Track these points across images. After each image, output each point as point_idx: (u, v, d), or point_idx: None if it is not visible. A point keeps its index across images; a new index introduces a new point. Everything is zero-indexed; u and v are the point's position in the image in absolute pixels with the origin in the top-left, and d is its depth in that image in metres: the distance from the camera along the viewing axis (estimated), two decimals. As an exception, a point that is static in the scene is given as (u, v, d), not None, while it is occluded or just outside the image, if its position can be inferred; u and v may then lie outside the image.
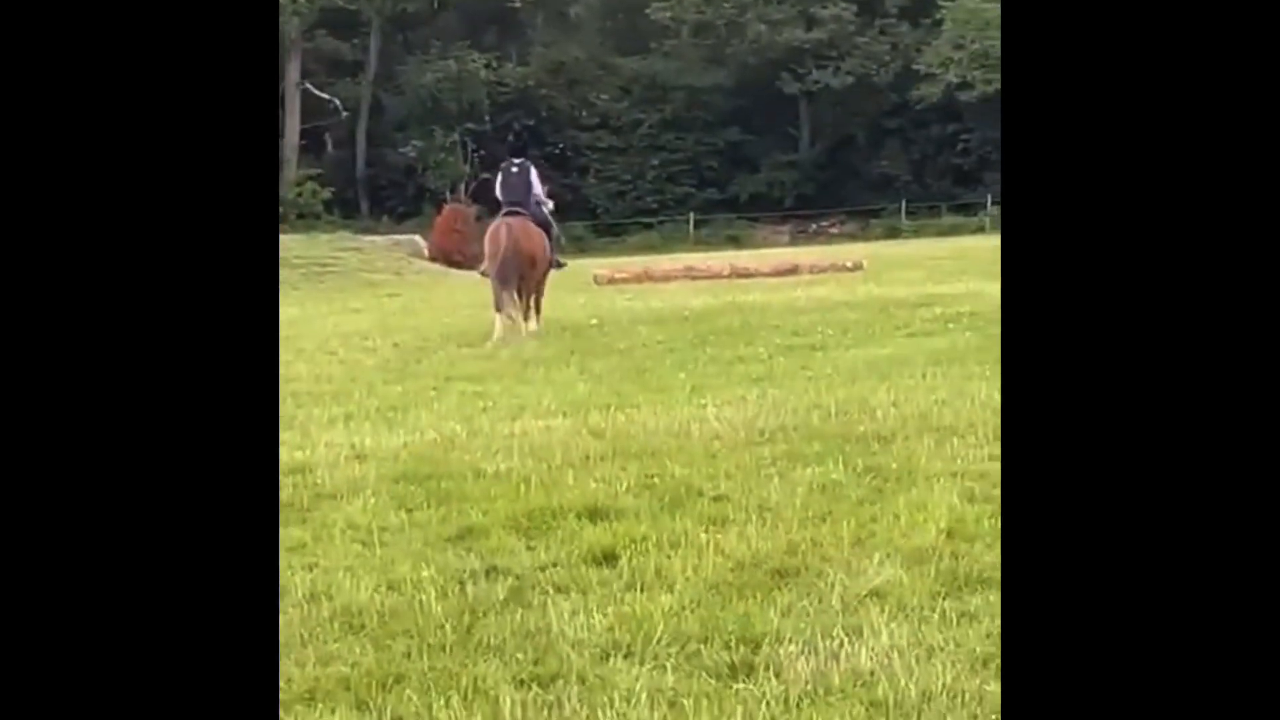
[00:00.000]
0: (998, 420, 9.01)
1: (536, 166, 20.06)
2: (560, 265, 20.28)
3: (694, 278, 30.53)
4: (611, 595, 5.73)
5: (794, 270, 30.84)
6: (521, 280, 18.23)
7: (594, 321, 19.26)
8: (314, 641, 5.32)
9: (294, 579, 6.03)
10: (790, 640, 5.09)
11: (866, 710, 4.47)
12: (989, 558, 5.95)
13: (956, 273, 27.76)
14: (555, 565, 6.20)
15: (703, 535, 6.50)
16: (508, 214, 18.67)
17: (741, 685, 4.72)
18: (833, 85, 70.51)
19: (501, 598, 5.76)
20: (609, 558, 6.25)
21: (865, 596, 5.56)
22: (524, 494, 7.56)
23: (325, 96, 67.40)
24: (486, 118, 69.87)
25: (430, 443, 9.47)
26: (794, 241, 62.97)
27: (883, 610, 5.38)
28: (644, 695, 4.64)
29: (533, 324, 18.45)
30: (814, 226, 68.34)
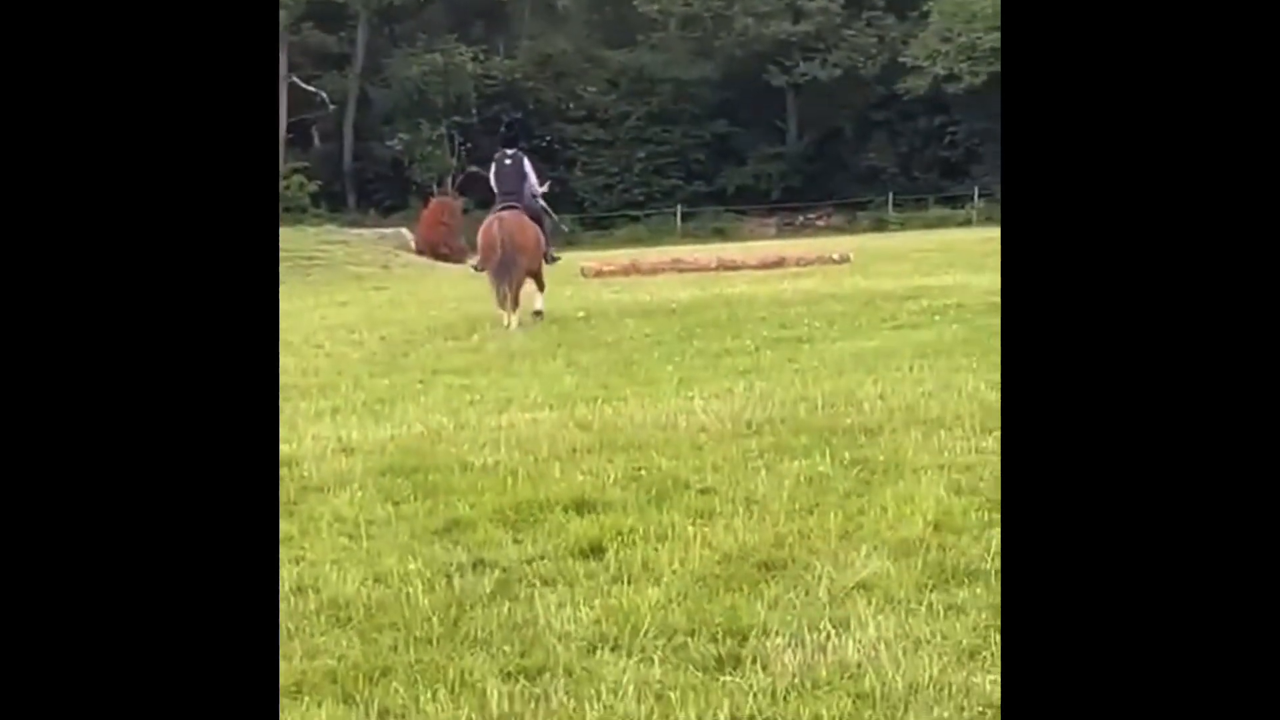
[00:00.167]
0: (985, 413, 9.03)
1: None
2: (554, 259, 20.44)
3: (681, 270, 30.52)
4: (598, 588, 5.73)
5: (781, 263, 30.84)
6: (517, 272, 18.47)
7: (581, 314, 19.25)
8: (300, 634, 5.31)
9: (281, 572, 6.02)
10: (777, 633, 5.09)
11: (853, 702, 4.47)
12: (976, 550, 5.96)
13: (943, 265, 27.79)
14: (542, 558, 6.20)
15: (690, 528, 6.50)
16: (502, 208, 18.88)
17: (728, 678, 4.72)
18: (820, 78, 70.57)
19: (488, 590, 5.76)
20: (596, 550, 6.25)
21: (852, 589, 5.56)
22: (511, 487, 7.55)
23: (312, 89, 67.39)
24: (473, 110, 69.85)
25: (417, 436, 9.46)
26: (781, 234, 62.99)
27: (870, 602, 5.38)
28: (631, 688, 4.64)
29: (533, 307, 18.92)
30: (801, 219, 68.40)
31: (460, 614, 5.49)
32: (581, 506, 7.01)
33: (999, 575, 5.58)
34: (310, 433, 9.63)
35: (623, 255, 38.17)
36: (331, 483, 7.88)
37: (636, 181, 71.95)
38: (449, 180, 61.72)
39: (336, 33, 71.84)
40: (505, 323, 18.15)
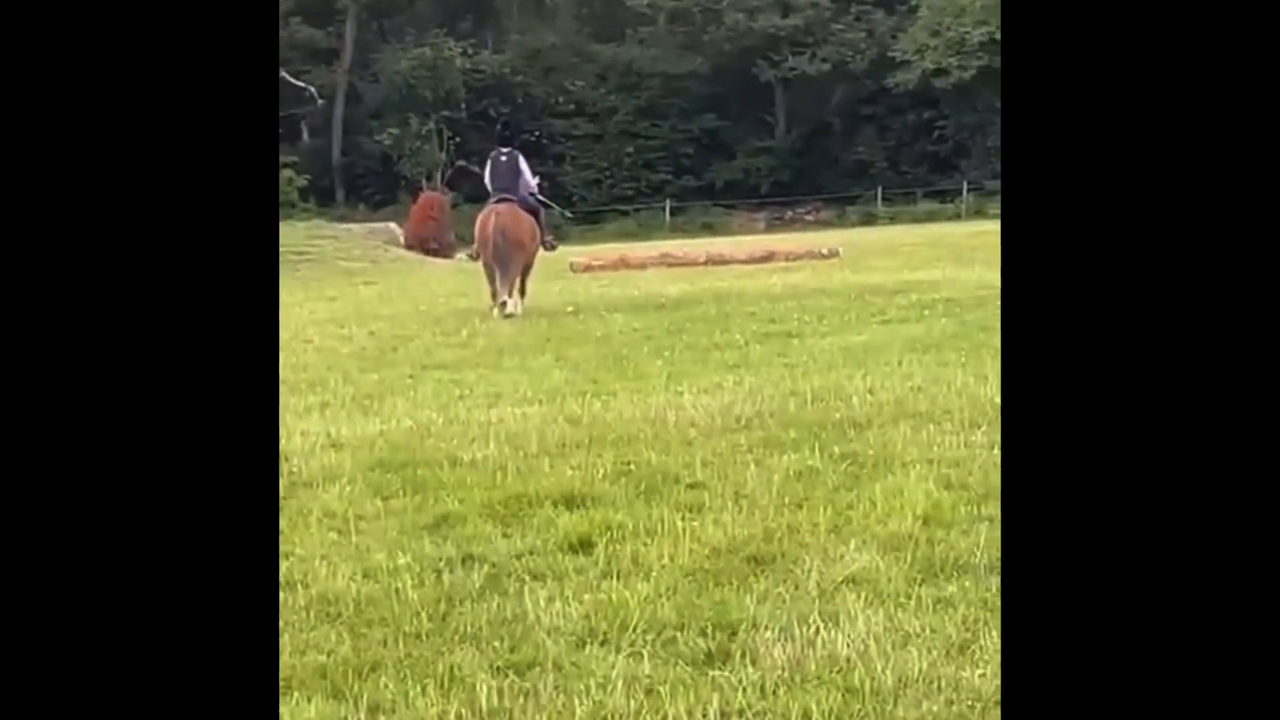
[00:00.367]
0: (974, 407, 9.05)
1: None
2: (552, 247, 21.32)
3: (670, 265, 30.54)
4: (588, 583, 5.72)
5: (770, 257, 30.86)
6: (512, 263, 19.12)
7: (570, 309, 19.26)
8: (290, 630, 5.31)
9: (270, 567, 6.01)
10: (766, 627, 5.08)
11: (843, 697, 4.47)
12: (965, 544, 5.96)
13: (933, 259, 27.82)
14: (531, 553, 6.19)
15: (679, 522, 6.49)
16: (497, 201, 19.47)
17: (718, 672, 4.72)
18: (808, 72, 70.65)
19: (478, 585, 5.75)
20: (585, 545, 6.24)
21: (841, 583, 5.56)
22: (500, 482, 7.55)
23: (301, 84, 67.23)
24: (462, 105, 69.87)
25: (406, 430, 9.45)
26: (770, 229, 63.00)
27: (859, 597, 5.38)
28: (620, 682, 4.64)
29: (517, 304, 19.25)
30: (790, 213, 68.43)
31: (449, 609, 5.49)
32: (571, 501, 7.01)
33: (988, 569, 5.59)
34: (299, 428, 9.62)
35: (612, 250, 38.15)
36: (320, 478, 7.87)
37: (625, 176, 72.00)
38: (438, 175, 61.70)
39: (325, 27, 71.85)
40: (502, 308, 18.74)
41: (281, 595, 5.68)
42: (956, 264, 25.58)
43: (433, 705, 4.57)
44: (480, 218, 19.83)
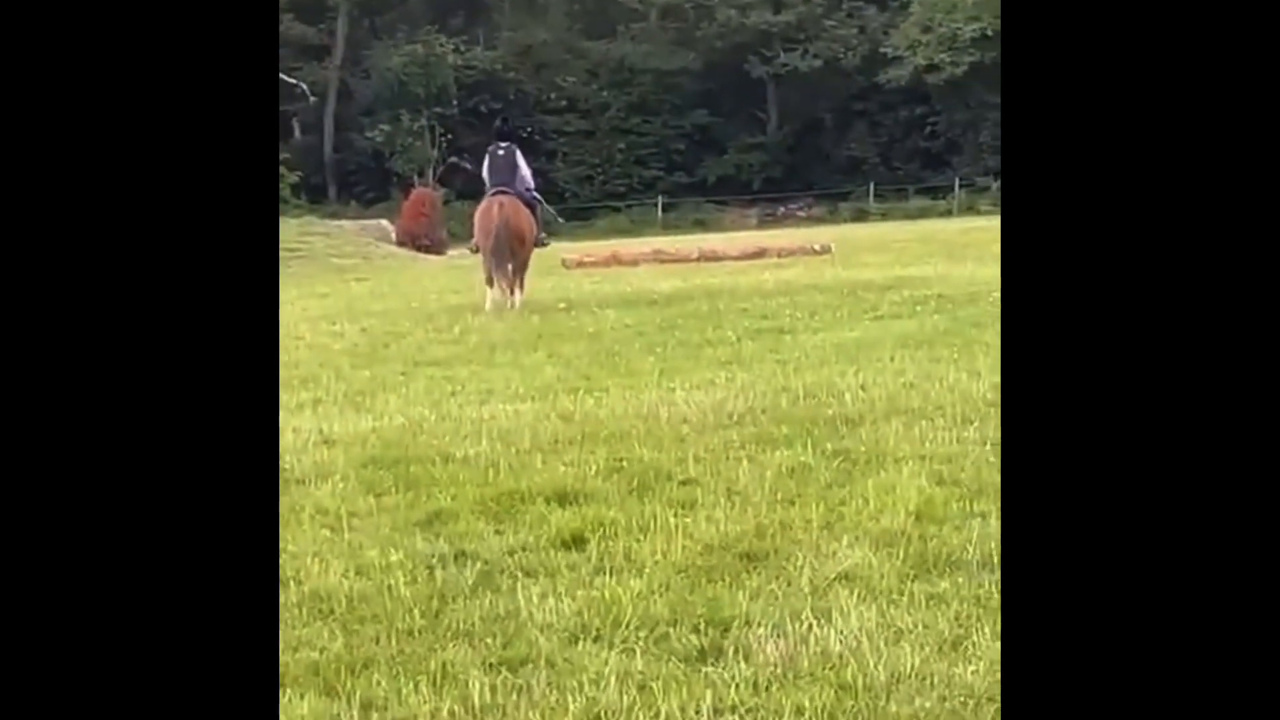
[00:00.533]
0: (966, 403, 9.05)
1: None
2: (544, 244, 21.63)
3: (662, 261, 30.52)
4: (580, 579, 5.73)
5: (762, 254, 30.84)
6: (512, 255, 19.39)
7: (563, 305, 19.25)
8: (283, 627, 5.30)
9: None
10: (759, 623, 5.09)
11: (835, 693, 4.47)
12: (957, 540, 5.96)
13: (924, 255, 27.83)
14: (524, 549, 6.19)
15: (671, 519, 6.49)
16: (497, 193, 19.69)
17: (710, 668, 4.72)
18: (800, 68, 70.67)
19: (470, 582, 5.75)
20: (578, 542, 6.24)
21: (834, 579, 5.56)
22: (492, 478, 7.55)
23: (292, 81, 67.16)
24: (454, 102, 69.85)
25: (398, 427, 9.45)
26: (762, 225, 63.01)
27: (852, 593, 5.39)
28: (613, 679, 4.64)
29: (517, 298, 19.57)
30: (782, 209, 68.43)
31: (442, 606, 5.49)
32: (563, 498, 7.01)
33: (980, 565, 5.60)
34: (291, 425, 9.61)
35: (604, 246, 38.15)
36: (313, 475, 7.87)
37: (617, 172, 72.00)
38: (430, 171, 61.66)
39: (317, 24, 71.77)
40: (500, 301, 19.08)
41: (274, 592, 5.68)
42: (948, 260, 25.59)
43: (425, 702, 4.57)
44: (481, 209, 20.02)
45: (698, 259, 30.63)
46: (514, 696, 4.58)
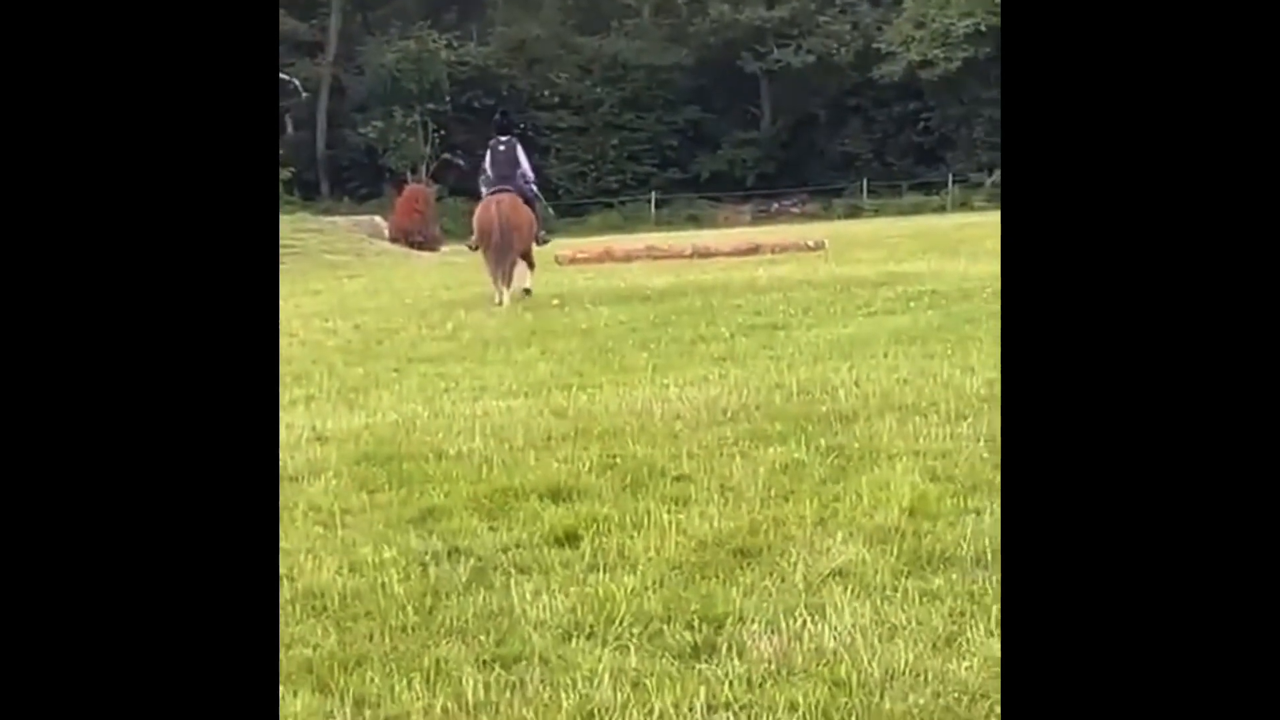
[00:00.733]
0: (960, 399, 9.05)
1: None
2: (545, 240, 21.98)
3: (656, 258, 30.54)
4: (574, 576, 5.72)
5: (755, 250, 30.85)
6: (510, 252, 19.72)
7: (556, 302, 19.25)
8: (275, 624, 5.30)
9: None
10: (753, 620, 5.09)
11: (829, 689, 4.47)
12: (951, 536, 5.96)
13: (918, 251, 27.84)
14: (517, 546, 6.19)
15: (665, 515, 6.49)
16: (496, 190, 20.03)
17: (704, 665, 4.72)
18: (794, 64, 70.67)
19: (464, 579, 5.75)
20: (571, 538, 6.24)
21: (828, 576, 5.56)
22: (486, 475, 7.54)
23: (285, 77, 67.15)
24: (447, 98, 69.81)
25: (392, 424, 9.44)
26: (755, 221, 63.00)
27: (845, 589, 5.38)
28: (606, 676, 4.64)
29: (523, 285, 20.12)
30: (775, 206, 68.45)
31: (436, 603, 5.48)
32: (557, 494, 7.01)
33: (975, 561, 5.60)
34: (284, 421, 9.59)
35: (597, 242, 38.16)
36: (306, 471, 7.86)
37: (611, 169, 71.98)
38: (423, 168, 61.58)
39: (309, 20, 71.66)
40: (497, 300, 19.23)
41: (267, 589, 5.67)
42: (942, 256, 25.60)
43: (419, 699, 4.57)
44: (480, 207, 20.30)
45: (691, 255, 30.65)
46: (507, 693, 4.57)
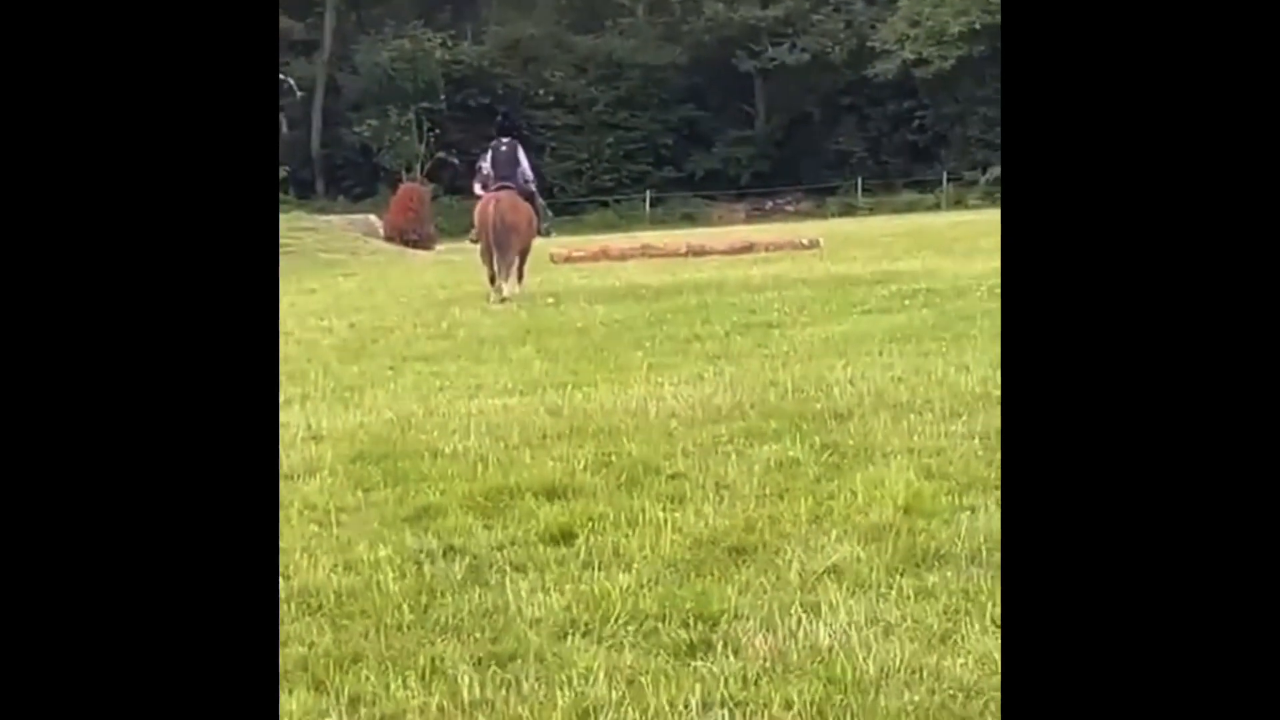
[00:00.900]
0: (954, 397, 9.06)
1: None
2: (546, 233, 22.77)
3: (651, 256, 30.55)
4: (569, 574, 5.72)
5: (750, 248, 30.87)
6: (511, 248, 20.19)
7: (551, 300, 19.25)
8: (271, 623, 5.29)
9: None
10: (748, 617, 5.09)
11: (824, 687, 4.47)
12: (946, 533, 5.97)
13: (913, 249, 27.83)
14: (513, 544, 6.19)
15: (660, 513, 6.49)
16: (497, 188, 20.43)
17: (699, 663, 4.72)
18: (788, 62, 70.66)
19: (459, 577, 5.75)
20: (566, 536, 6.24)
21: (823, 573, 5.56)
22: (481, 473, 7.54)
23: (280, 76, 67.10)
24: (442, 97, 69.80)
25: (387, 422, 9.44)
26: (750, 219, 63.02)
27: (840, 587, 5.39)
28: (602, 674, 4.64)
29: (515, 287, 20.34)
30: (770, 204, 68.48)
31: (431, 601, 5.48)
32: (552, 493, 7.01)
33: (969, 559, 5.61)
34: (280, 420, 9.59)
35: (592, 241, 38.15)
36: (301, 470, 7.86)
37: (605, 167, 71.98)
38: (418, 166, 61.53)
39: (304, 19, 71.61)
40: (500, 294, 19.72)
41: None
42: (937, 254, 25.60)
43: (414, 697, 4.57)
44: (480, 205, 20.68)
45: (686, 254, 30.65)
46: (503, 691, 4.57)
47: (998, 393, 8.72)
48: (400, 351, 14.43)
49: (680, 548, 5.98)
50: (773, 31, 71.53)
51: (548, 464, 7.70)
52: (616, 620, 5.12)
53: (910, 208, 61.74)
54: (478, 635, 5.09)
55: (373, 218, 44.83)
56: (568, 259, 29.90)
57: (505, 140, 21.23)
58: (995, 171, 58.98)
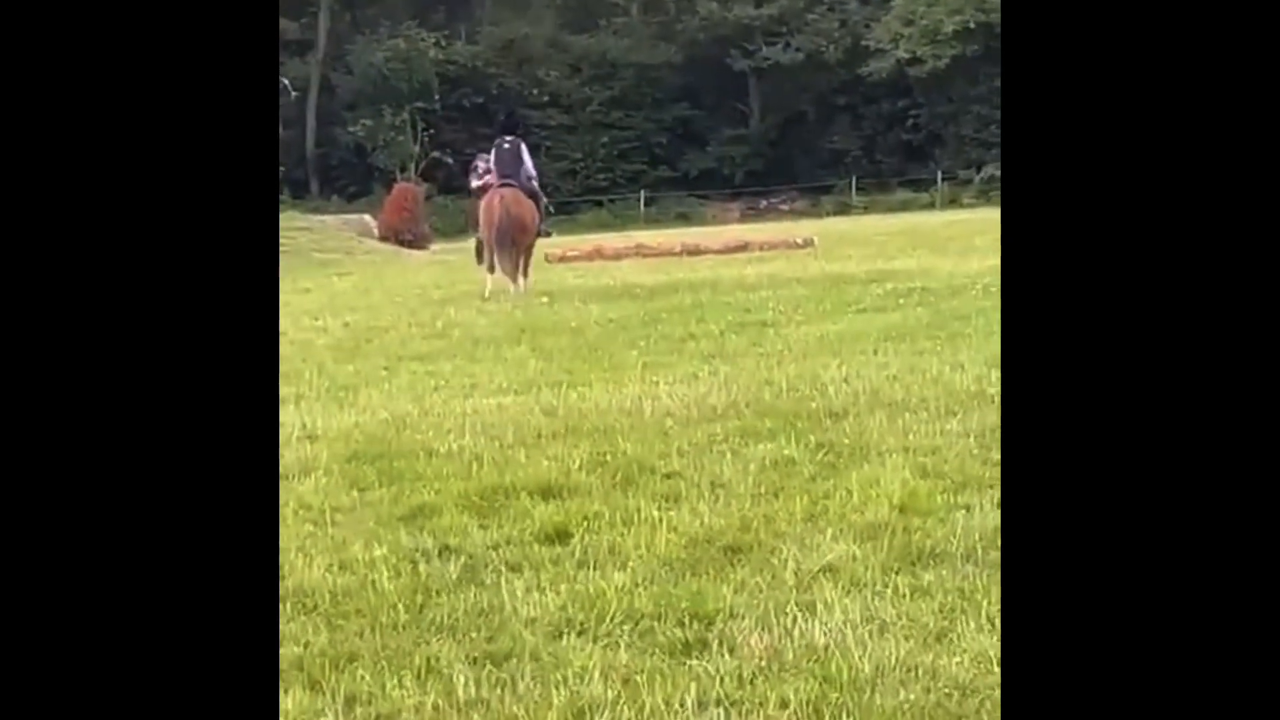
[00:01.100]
0: (949, 395, 9.06)
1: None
2: (547, 233, 22.80)
3: (645, 255, 30.56)
4: (564, 573, 5.72)
5: (744, 247, 30.89)
6: (514, 244, 20.43)
7: (545, 299, 19.26)
8: (266, 622, 5.29)
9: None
10: (744, 616, 5.09)
11: (820, 685, 4.47)
12: (941, 532, 5.97)
13: (907, 248, 27.85)
14: (508, 543, 6.19)
15: (655, 512, 6.49)
16: (500, 185, 20.72)
17: (695, 662, 4.72)
18: (782, 62, 70.70)
19: (454, 576, 5.75)
20: (561, 536, 6.24)
21: (818, 572, 5.56)
22: (476, 472, 7.54)
23: (275, 76, 66.98)
24: (436, 97, 69.80)
25: (382, 422, 9.44)
26: (744, 219, 63.03)
27: (836, 585, 5.39)
28: (597, 673, 4.63)
29: (521, 285, 20.56)
30: (764, 203, 68.49)
31: (426, 600, 5.48)
32: (547, 492, 7.00)
33: (964, 558, 5.61)
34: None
35: (587, 240, 38.16)
36: (296, 470, 7.85)
37: (600, 167, 72.01)
38: (412, 166, 61.53)
39: (298, 19, 71.55)
40: (509, 289, 20.04)
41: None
42: (931, 253, 25.61)
43: (410, 696, 4.57)
44: (484, 200, 21.03)
45: (680, 253, 30.67)
46: (498, 690, 4.57)
47: (992, 391, 8.75)
48: (395, 351, 14.42)
49: (675, 547, 5.98)
50: (767, 30, 71.55)
51: (543, 463, 7.70)
52: (612, 619, 5.11)
53: (905, 207, 61.80)
54: (473, 634, 5.08)
55: (367, 217, 44.86)
56: (562, 258, 29.90)
57: (509, 139, 21.37)
58: (990, 170, 59.14)
